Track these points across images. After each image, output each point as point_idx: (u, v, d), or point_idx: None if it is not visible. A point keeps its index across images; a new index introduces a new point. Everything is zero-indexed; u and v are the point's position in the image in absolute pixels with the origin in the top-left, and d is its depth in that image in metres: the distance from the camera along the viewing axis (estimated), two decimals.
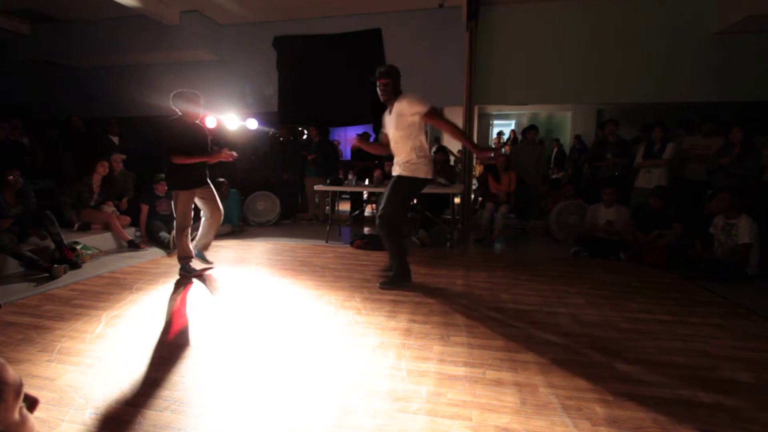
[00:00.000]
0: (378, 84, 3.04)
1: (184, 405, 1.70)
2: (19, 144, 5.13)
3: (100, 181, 4.81)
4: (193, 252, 3.64)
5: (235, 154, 3.59)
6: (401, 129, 3.04)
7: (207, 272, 3.65)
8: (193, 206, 3.54)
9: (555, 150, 9.10)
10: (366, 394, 1.78)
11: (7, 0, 5.95)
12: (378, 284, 3.28)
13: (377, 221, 3.18)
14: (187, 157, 3.34)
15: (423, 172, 3.11)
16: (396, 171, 3.21)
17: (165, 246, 4.60)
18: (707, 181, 4.76)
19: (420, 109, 2.94)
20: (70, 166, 5.51)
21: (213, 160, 3.51)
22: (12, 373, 0.54)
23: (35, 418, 0.61)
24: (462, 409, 1.68)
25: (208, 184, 3.60)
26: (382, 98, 3.09)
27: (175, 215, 3.52)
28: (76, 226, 4.55)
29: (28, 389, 0.58)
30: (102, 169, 4.80)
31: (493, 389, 1.83)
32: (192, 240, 3.71)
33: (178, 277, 3.51)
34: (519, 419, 1.61)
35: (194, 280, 3.47)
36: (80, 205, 4.67)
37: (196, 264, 3.62)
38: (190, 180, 3.44)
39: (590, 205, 4.82)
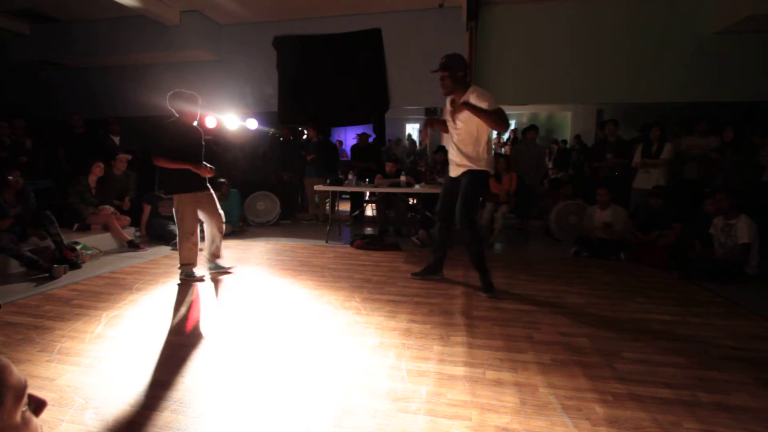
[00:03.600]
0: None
1: (184, 405, 1.70)
2: (21, 144, 5.14)
3: (95, 182, 4.78)
4: (207, 265, 3.58)
5: (212, 168, 3.46)
6: (470, 124, 2.93)
7: (224, 275, 3.61)
8: (197, 210, 3.41)
9: (557, 150, 9.11)
10: (366, 394, 1.78)
11: (7, 0, 5.95)
12: (486, 295, 3.08)
13: (462, 228, 3.06)
14: (170, 161, 3.21)
15: (486, 163, 3.04)
16: (460, 169, 3.09)
17: (172, 237, 4.61)
18: (705, 181, 4.76)
19: (486, 106, 2.80)
20: (66, 163, 5.46)
21: (195, 170, 3.30)
22: (16, 375, 0.54)
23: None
24: (462, 409, 1.68)
25: (208, 188, 3.49)
26: (442, 91, 2.99)
27: (177, 220, 3.38)
28: (76, 226, 4.55)
29: (29, 390, 0.58)
30: (98, 170, 4.77)
31: (493, 389, 1.83)
32: (201, 251, 3.60)
33: (178, 277, 3.49)
34: (519, 419, 1.61)
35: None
36: (86, 206, 4.67)
37: (198, 270, 3.52)
38: (191, 182, 3.32)
39: (587, 209, 4.82)
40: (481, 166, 3.04)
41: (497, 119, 2.79)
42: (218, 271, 3.62)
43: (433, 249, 3.49)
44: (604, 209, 4.55)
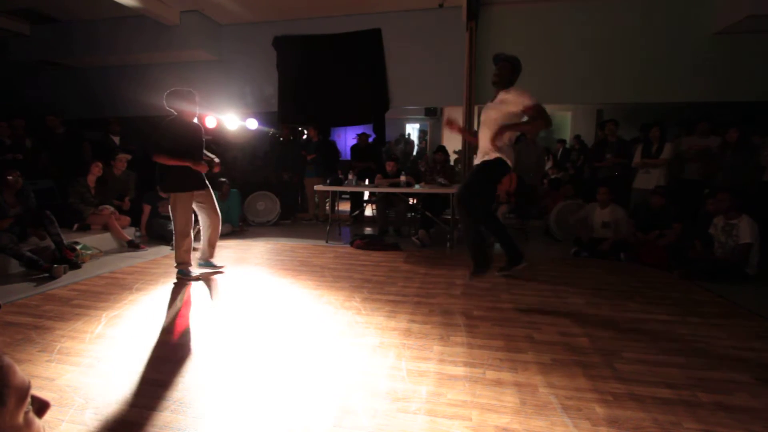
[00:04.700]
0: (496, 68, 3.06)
1: (184, 405, 1.70)
2: (21, 145, 5.13)
3: (95, 182, 4.78)
4: (199, 262, 3.59)
5: (217, 160, 3.54)
6: (499, 115, 2.99)
7: (215, 275, 3.60)
8: (192, 211, 3.41)
9: (560, 150, 9.09)
10: (366, 394, 1.78)
11: (7, 0, 5.95)
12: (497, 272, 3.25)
13: (457, 202, 3.10)
14: (169, 158, 3.19)
15: (506, 155, 3.01)
16: (478, 159, 3.14)
17: (172, 237, 4.61)
18: (705, 181, 4.76)
19: (527, 102, 2.88)
20: (48, 166, 5.42)
21: (195, 167, 3.28)
22: (20, 376, 0.53)
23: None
24: (462, 409, 1.68)
25: (207, 187, 3.47)
26: (492, 81, 3.09)
27: (173, 220, 3.37)
28: (76, 226, 4.55)
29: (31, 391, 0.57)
30: (97, 170, 4.76)
31: (493, 389, 1.83)
32: (195, 251, 3.62)
33: (175, 276, 3.50)
34: (519, 419, 1.61)
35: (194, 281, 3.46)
36: (86, 206, 4.67)
37: (194, 269, 3.54)
38: (189, 182, 3.30)
39: (586, 206, 4.83)
40: (491, 157, 3.02)
41: (536, 125, 2.91)
42: (210, 270, 3.61)
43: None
44: (603, 208, 4.55)
